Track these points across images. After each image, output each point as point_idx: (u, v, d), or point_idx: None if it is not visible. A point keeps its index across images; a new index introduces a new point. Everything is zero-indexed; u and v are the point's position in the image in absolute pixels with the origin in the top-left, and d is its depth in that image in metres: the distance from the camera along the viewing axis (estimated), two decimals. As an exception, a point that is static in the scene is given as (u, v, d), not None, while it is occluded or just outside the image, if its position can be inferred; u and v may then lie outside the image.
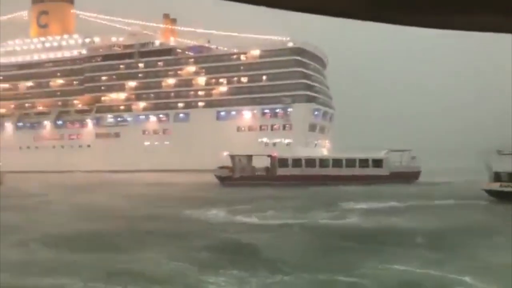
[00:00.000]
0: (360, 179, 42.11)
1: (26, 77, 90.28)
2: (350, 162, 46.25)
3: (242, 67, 77.70)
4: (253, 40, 78.76)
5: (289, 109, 73.31)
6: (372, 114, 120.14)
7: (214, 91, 79.08)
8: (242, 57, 78.11)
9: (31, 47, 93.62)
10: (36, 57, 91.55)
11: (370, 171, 45.79)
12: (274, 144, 70.32)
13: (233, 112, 76.75)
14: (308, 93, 74.82)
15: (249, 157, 46.51)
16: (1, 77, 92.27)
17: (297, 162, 44.89)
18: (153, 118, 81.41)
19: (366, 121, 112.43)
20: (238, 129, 75.81)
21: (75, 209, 25.33)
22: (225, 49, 79.81)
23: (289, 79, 74.04)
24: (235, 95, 76.96)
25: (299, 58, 75.12)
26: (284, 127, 74.01)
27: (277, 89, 74.14)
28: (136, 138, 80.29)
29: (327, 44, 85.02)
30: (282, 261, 12.28)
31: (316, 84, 77.23)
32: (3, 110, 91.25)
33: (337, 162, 46.37)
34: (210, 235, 16.72)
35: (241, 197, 31.51)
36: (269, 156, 46.30)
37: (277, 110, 74.71)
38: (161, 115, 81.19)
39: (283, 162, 44.98)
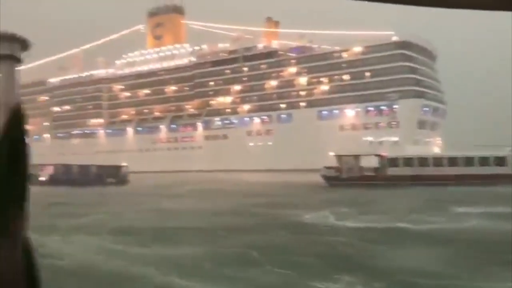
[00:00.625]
0: (480, 178, 38.51)
1: (144, 86, 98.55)
2: (468, 161, 42.76)
3: (344, 65, 76.50)
4: (356, 36, 76.83)
5: (395, 106, 70.16)
6: (489, 109, 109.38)
7: (315, 91, 78.91)
8: (344, 54, 76.90)
9: (147, 58, 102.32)
10: (152, 67, 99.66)
11: (491, 170, 41.78)
12: (380, 142, 67.84)
13: (336, 111, 75.72)
14: (416, 88, 71.02)
15: (357, 157, 44.89)
16: (123, 87, 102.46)
17: (408, 161, 42.60)
18: (257, 120, 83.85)
19: (481, 117, 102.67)
20: (341, 128, 74.57)
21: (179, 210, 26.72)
22: (328, 47, 79.12)
23: (394, 75, 71.01)
24: (337, 94, 75.98)
25: (405, 52, 71.69)
26: (390, 125, 71.04)
27: (382, 85, 71.53)
28: (242, 139, 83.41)
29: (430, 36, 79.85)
30: (394, 268, 11.52)
31: (424, 79, 73.03)
32: (125, 116, 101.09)
33: (453, 161, 43.33)
34: (316, 239, 16.26)
35: (348, 198, 30.78)
36: (378, 155, 44.70)
37: (382, 107, 71.99)
38: (264, 117, 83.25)
39: (393, 162, 43.00)
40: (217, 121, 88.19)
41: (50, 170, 57.49)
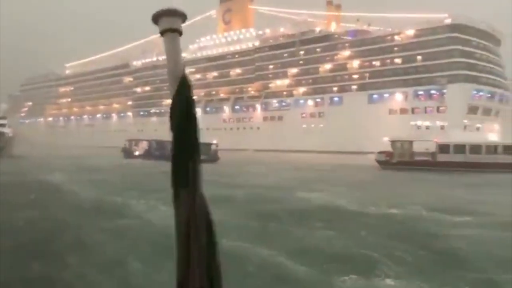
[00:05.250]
0: None
1: (212, 69, 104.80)
2: None
3: (396, 48, 75.44)
4: (412, 19, 75.45)
5: (446, 90, 68.32)
6: None
7: (367, 74, 78.80)
8: (397, 37, 75.74)
9: (216, 42, 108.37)
10: (220, 51, 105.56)
11: None
12: (428, 127, 66.85)
13: (386, 95, 75.28)
14: (467, 72, 68.14)
15: (410, 142, 45.13)
16: (194, 69, 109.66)
17: (459, 148, 41.88)
18: (310, 102, 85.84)
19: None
20: (390, 111, 74.22)
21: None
22: (384, 30, 78.50)
23: (445, 58, 68.82)
24: (388, 77, 75.26)
25: (457, 35, 68.89)
26: (438, 110, 69.37)
27: (433, 69, 69.75)
28: (296, 121, 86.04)
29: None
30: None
31: (480, 63, 69.61)
32: (195, 97, 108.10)
33: (508, 149, 42.30)
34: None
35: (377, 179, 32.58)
36: (430, 141, 44.35)
37: (432, 92, 70.39)
38: (317, 99, 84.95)
39: (444, 148, 42.43)
40: (274, 103, 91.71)
41: (144, 145, 60.04)
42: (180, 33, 1.26)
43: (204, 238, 1.19)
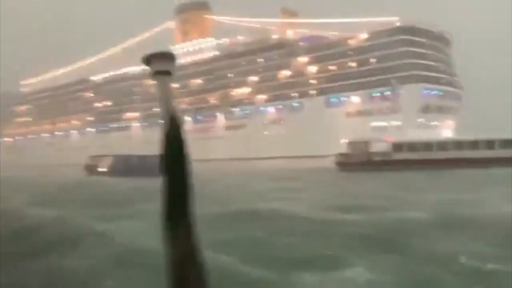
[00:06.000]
0: (484, 162, 38.13)
1: (174, 80, 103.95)
2: (473, 144, 42.94)
3: (350, 52, 77.28)
4: (365, 23, 77.39)
5: (400, 91, 70.47)
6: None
7: (325, 79, 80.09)
8: (351, 41, 77.54)
9: (175, 53, 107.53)
10: (180, 62, 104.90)
11: (497, 153, 41.22)
12: (384, 128, 68.52)
13: (344, 98, 76.75)
14: (418, 72, 70.42)
15: (366, 143, 46.53)
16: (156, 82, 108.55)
17: (412, 146, 43.81)
18: (271, 109, 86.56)
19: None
20: (348, 114, 75.67)
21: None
22: (337, 35, 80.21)
23: (397, 60, 71.02)
24: (345, 81, 76.84)
25: (407, 37, 71.36)
26: (392, 110, 71.41)
27: (386, 71, 71.78)
28: (258, 129, 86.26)
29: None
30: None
31: (430, 63, 72.13)
32: (156, 109, 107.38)
33: (458, 145, 43.80)
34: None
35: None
36: (384, 141, 45.87)
37: (387, 93, 72.36)
38: (278, 106, 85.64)
39: (397, 147, 44.20)
40: (236, 111, 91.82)
41: (109, 161, 56.31)
42: (171, 74, 1.31)
43: (199, 278, 1.16)
